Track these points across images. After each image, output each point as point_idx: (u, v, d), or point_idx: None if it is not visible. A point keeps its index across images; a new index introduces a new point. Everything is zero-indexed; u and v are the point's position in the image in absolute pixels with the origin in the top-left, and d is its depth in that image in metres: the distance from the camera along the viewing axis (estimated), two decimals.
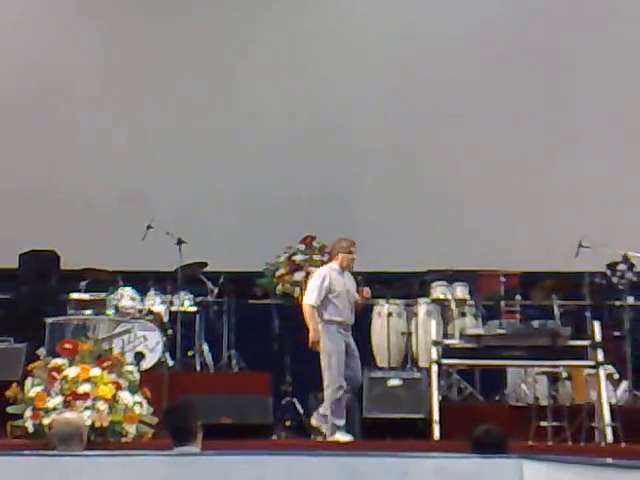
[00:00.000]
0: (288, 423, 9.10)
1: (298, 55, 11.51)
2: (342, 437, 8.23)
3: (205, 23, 11.57)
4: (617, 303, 9.60)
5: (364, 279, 10.54)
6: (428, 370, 8.78)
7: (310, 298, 8.38)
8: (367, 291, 8.57)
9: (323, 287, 8.35)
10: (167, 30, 11.54)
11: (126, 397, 7.60)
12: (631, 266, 9.47)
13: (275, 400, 9.12)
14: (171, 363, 9.57)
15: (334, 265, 8.49)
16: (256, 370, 9.71)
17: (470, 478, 4.08)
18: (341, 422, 8.28)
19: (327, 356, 8.32)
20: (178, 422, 5.10)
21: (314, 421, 8.35)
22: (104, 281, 10.03)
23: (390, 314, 9.76)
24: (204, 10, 11.60)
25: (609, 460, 5.36)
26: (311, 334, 8.31)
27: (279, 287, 10.71)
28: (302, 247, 10.93)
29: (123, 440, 7.47)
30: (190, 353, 9.87)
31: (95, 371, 7.62)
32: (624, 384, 9.33)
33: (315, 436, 8.34)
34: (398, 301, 9.87)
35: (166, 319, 9.77)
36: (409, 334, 9.70)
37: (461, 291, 9.78)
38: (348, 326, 8.45)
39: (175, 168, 11.34)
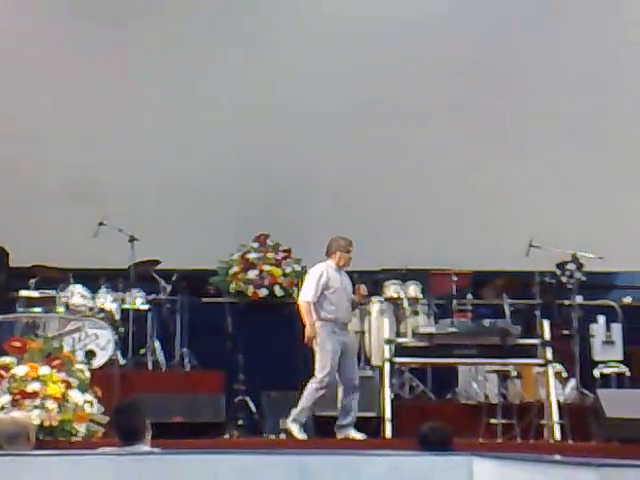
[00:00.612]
0: (241, 422, 9.08)
1: (252, 53, 11.48)
2: (298, 434, 8.21)
3: (159, 23, 11.49)
4: (566, 302, 9.72)
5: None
6: (380, 368, 8.82)
7: (307, 294, 8.34)
8: (364, 289, 8.54)
9: (320, 283, 8.31)
10: (119, 30, 11.44)
11: (76, 396, 7.54)
12: (580, 266, 9.59)
13: (228, 399, 9.11)
14: (122, 361, 9.51)
15: (330, 263, 8.46)
16: (209, 368, 9.69)
17: (421, 476, 4.11)
18: (303, 419, 8.27)
19: (322, 355, 8.28)
20: (126, 421, 5.09)
21: (339, 435, 8.27)
22: (54, 278, 9.94)
23: None
24: (158, 10, 11.53)
25: (557, 457, 5.42)
26: (307, 331, 8.26)
27: (232, 285, 10.70)
28: (256, 245, 10.93)
29: (73, 439, 7.41)
30: (142, 351, 9.81)
31: (44, 370, 7.55)
32: (572, 382, 9.45)
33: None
34: None
35: (118, 317, 9.71)
36: (362, 333, 9.72)
37: (414, 290, 9.84)
38: (345, 325, 8.42)
39: (128, 165, 11.25)
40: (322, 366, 8.25)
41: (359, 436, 8.19)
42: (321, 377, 8.22)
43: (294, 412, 8.24)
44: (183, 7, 11.59)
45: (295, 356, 9.17)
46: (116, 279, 9.91)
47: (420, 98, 11.29)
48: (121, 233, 9.80)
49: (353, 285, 8.61)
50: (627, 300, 10.87)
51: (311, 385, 8.26)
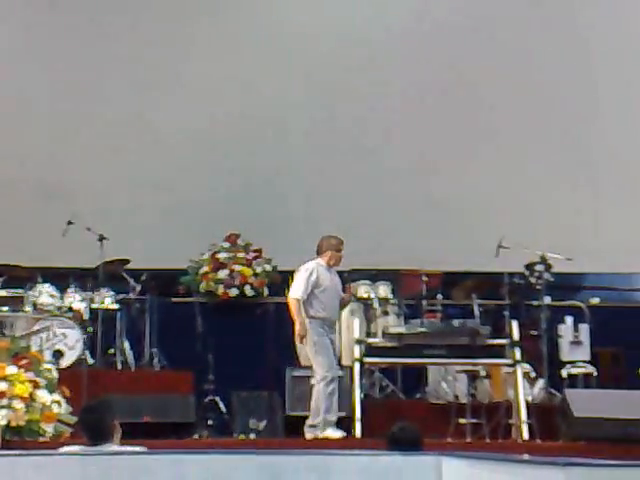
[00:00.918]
0: (210, 422, 9.06)
1: (220, 51, 11.45)
2: (333, 433, 8.20)
3: (127, 20, 11.45)
4: (534, 303, 9.78)
5: (282, 277, 10.62)
6: (351, 368, 8.83)
7: (296, 292, 8.34)
8: (353, 288, 8.53)
9: (310, 281, 8.33)
10: (89, 25, 11.39)
11: (44, 396, 7.49)
12: (548, 267, 9.65)
13: (197, 399, 9.09)
14: (91, 361, 9.46)
15: (321, 261, 8.48)
16: (178, 368, 9.65)
17: (390, 475, 4.13)
18: (333, 418, 8.26)
19: (314, 352, 8.32)
20: (95, 421, 5.06)
21: (308, 435, 8.26)
22: (22, 277, 9.86)
23: None
24: (127, 7, 11.48)
25: (525, 456, 5.46)
26: (297, 328, 8.26)
27: (202, 285, 10.67)
28: (226, 245, 10.90)
29: (40, 440, 7.36)
30: (111, 351, 9.77)
31: (12, 369, 7.48)
32: (540, 382, 9.51)
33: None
34: None
35: (86, 316, 9.65)
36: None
37: (384, 290, 9.85)
38: (332, 322, 8.45)
39: (97, 164, 11.20)
40: (320, 363, 8.29)
41: (336, 434, 8.20)
42: (323, 374, 8.26)
43: (318, 420, 8.22)
44: (151, 4, 11.55)
45: (265, 356, 9.17)
46: (85, 278, 9.86)
47: (389, 99, 11.33)
48: (90, 232, 9.74)
49: (343, 284, 8.61)
50: (594, 301, 10.95)
51: (318, 385, 8.28)
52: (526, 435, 8.48)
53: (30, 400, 7.40)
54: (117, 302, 9.89)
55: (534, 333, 9.51)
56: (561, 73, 11.46)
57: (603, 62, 11.49)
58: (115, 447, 4.96)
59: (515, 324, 9.03)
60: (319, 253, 8.52)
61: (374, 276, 9.88)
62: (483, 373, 9.14)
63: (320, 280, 8.37)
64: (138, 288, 10.02)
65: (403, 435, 5.25)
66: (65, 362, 8.86)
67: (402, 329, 8.88)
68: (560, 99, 11.42)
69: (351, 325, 9.28)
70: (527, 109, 11.36)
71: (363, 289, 9.86)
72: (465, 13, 11.49)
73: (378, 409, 8.63)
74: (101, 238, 9.75)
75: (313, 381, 8.40)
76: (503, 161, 11.32)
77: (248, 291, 10.64)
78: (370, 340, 8.88)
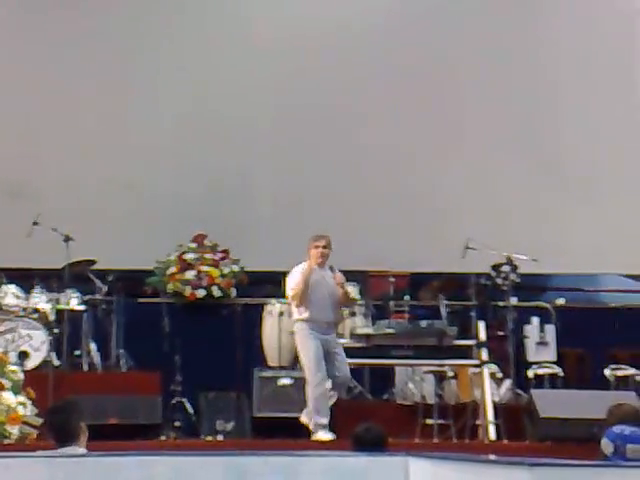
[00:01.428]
0: (177, 423, 9.03)
1: (189, 53, 11.42)
2: (324, 436, 8.19)
3: (97, 19, 11.38)
4: (501, 304, 9.84)
5: (250, 278, 10.61)
6: None
7: (289, 291, 8.37)
8: (339, 276, 8.41)
9: (299, 279, 8.32)
10: (57, 24, 11.31)
11: (9, 397, 7.43)
12: (514, 268, 9.72)
13: (164, 400, 9.05)
14: (57, 363, 9.39)
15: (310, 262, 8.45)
16: (145, 370, 9.61)
17: (357, 476, 4.13)
18: (324, 420, 8.22)
19: (302, 356, 8.33)
20: (61, 422, 5.02)
21: (303, 417, 8.28)
22: None
23: (281, 313, 9.78)
24: (96, 6, 11.42)
25: (492, 457, 5.49)
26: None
27: (170, 286, 10.63)
28: (194, 246, 10.86)
29: (6, 442, 7.31)
30: (77, 353, 9.70)
31: None
32: (507, 383, 9.56)
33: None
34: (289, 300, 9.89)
35: (52, 318, 9.58)
36: None
37: (351, 291, 9.87)
38: (325, 324, 8.32)
39: (63, 164, 11.12)
40: (307, 367, 8.27)
41: (326, 437, 8.21)
42: (310, 378, 8.24)
43: (312, 423, 8.21)
44: (120, 4, 11.49)
45: (233, 357, 9.15)
46: (51, 279, 9.79)
47: (356, 100, 11.35)
48: (56, 233, 9.67)
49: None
50: (560, 302, 11.04)
51: (308, 388, 8.26)
52: (493, 435, 8.54)
53: None
54: (83, 303, 9.83)
55: (501, 334, 9.56)
56: (528, 75, 11.53)
57: (569, 64, 11.57)
58: (81, 449, 4.94)
59: (482, 325, 9.10)
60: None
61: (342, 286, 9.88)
62: (450, 374, 9.19)
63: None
64: (105, 289, 9.96)
65: (368, 435, 5.26)
66: (31, 364, 8.80)
67: (369, 330, 8.91)
68: (527, 101, 11.49)
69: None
70: (494, 111, 11.42)
71: None
72: (434, 14, 11.52)
73: (345, 410, 8.63)
74: (67, 239, 9.67)
75: None
76: (470, 162, 11.36)
77: (215, 292, 10.60)
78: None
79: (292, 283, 8.36)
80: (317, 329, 8.29)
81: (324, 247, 8.38)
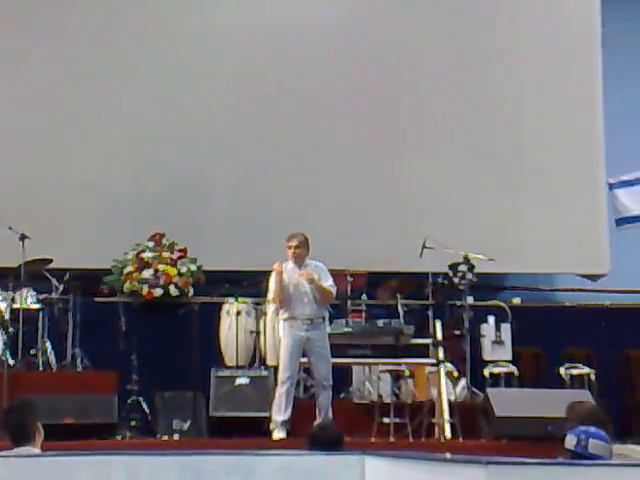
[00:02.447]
0: (134, 422, 8.99)
1: (145, 43, 11.35)
2: (275, 434, 8.24)
3: (55, 16, 11.28)
4: (458, 303, 9.90)
5: (207, 277, 10.58)
6: (275, 368, 8.84)
7: (270, 295, 8.53)
8: (304, 273, 8.38)
9: (275, 281, 8.41)
10: (11, 23, 11.20)
11: None
12: (471, 267, 9.78)
13: (121, 399, 9.00)
14: (12, 362, 9.31)
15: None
16: (101, 369, 9.56)
17: (314, 475, 4.15)
18: (279, 417, 8.28)
19: (281, 353, 8.43)
20: (16, 422, 4.99)
21: None
22: None
23: (239, 313, 9.78)
24: (54, 4, 11.33)
25: (448, 455, 5.53)
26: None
27: (127, 285, 10.56)
28: (151, 244, 10.81)
29: None
30: (32, 352, 9.61)
31: None
32: (463, 381, 9.63)
33: None
34: (247, 299, 9.89)
35: (7, 317, 9.48)
36: (258, 333, 9.73)
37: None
38: (306, 321, 8.35)
39: (19, 162, 11.02)
40: (280, 363, 8.36)
41: (276, 435, 8.23)
42: (280, 375, 8.34)
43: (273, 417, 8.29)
44: (78, 5, 11.41)
45: (190, 356, 9.12)
46: (6, 278, 9.69)
47: (317, 97, 11.35)
48: (11, 231, 9.58)
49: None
50: (516, 301, 11.13)
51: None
52: (449, 434, 8.60)
53: None
54: (39, 302, 9.74)
55: (457, 333, 9.62)
56: (487, 77, 11.61)
57: (527, 64, 11.66)
58: (36, 449, 4.90)
59: (438, 324, 9.16)
60: None
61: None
62: (407, 373, 9.23)
63: (283, 279, 8.41)
64: (61, 288, 9.89)
65: (323, 434, 5.26)
66: None
67: (327, 329, 8.91)
68: (485, 102, 11.56)
69: (276, 325, 9.29)
70: (451, 111, 11.48)
71: None
72: (391, 17, 11.55)
73: (302, 409, 8.64)
74: (23, 237, 9.58)
75: None
76: (427, 162, 11.42)
77: (172, 291, 10.56)
78: None
79: (270, 287, 8.46)
80: (297, 327, 8.36)
81: (296, 247, 8.43)
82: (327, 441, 5.12)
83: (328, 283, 8.45)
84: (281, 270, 8.38)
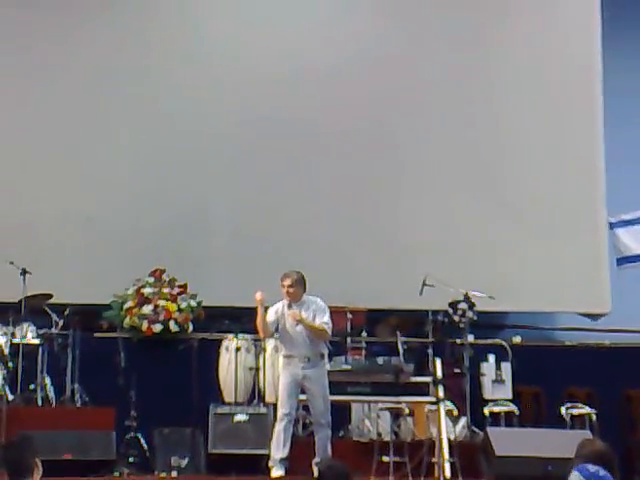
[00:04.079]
0: (132, 459, 8.95)
1: (148, 84, 11.41)
2: (273, 472, 8.21)
3: (51, 43, 11.33)
4: (458, 341, 9.88)
5: (207, 313, 10.56)
6: (274, 405, 8.82)
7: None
8: (292, 313, 8.38)
9: (270, 316, 8.43)
10: (15, 55, 11.28)
11: None
12: (471, 305, 9.78)
13: (119, 435, 8.97)
14: (11, 397, 9.28)
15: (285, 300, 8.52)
16: (100, 405, 9.53)
17: None
18: (278, 455, 8.25)
19: (279, 388, 8.46)
20: (15, 457, 4.97)
21: None
22: None
23: (238, 349, 9.77)
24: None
25: None
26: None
27: (127, 320, 10.56)
28: (151, 280, 10.82)
29: None
30: (31, 387, 9.59)
31: None
32: (463, 420, 9.59)
33: None
34: (247, 336, 9.88)
35: (7, 351, 9.47)
36: (257, 369, 9.72)
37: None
38: (303, 359, 8.33)
39: (20, 196, 11.05)
40: (279, 399, 8.38)
41: (274, 474, 8.19)
42: (278, 412, 8.36)
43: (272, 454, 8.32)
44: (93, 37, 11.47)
45: (188, 392, 9.09)
46: (6, 312, 9.69)
47: (317, 134, 11.38)
48: (12, 266, 9.60)
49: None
50: (516, 339, 11.12)
51: None
52: (448, 473, 8.55)
53: None
54: (39, 337, 9.74)
55: (457, 371, 9.60)
56: (485, 114, 11.66)
57: (525, 102, 11.70)
58: None
59: (438, 362, 9.13)
60: None
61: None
62: (406, 411, 9.20)
63: (280, 318, 8.44)
64: (61, 323, 9.89)
65: (330, 473, 5.21)
66: None
67: (326, 366, 8.88)
68: (485, 140, 11.60)
69: (276, 362, 9.28)
70: (449, 147, 11.52)
71: None
72: (390, 52, 11.62)
73: (302, 446, 8.60)
74: (23, 272, 9.61)
75: None
76: (427, 199, 11.44)
77: (172, 326, 10.55)
78: None
79: (259, 326, 8.50)
80: (294, 365, 8.36)
81: (289, 286, 8.43)
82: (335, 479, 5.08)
83: (323, 320, 8.39)
84: (261, 299, 8.36)
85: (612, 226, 11.37)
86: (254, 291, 8.73)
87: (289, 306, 8.46)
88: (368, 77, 11.49)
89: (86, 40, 11.41)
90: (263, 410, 9.29)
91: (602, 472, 4.54)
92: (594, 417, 9.51)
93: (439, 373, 9.08)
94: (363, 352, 9.69)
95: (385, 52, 11.60)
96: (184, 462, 8.83)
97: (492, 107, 11.68)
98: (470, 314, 9.72)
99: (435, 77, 11.61)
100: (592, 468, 4.56)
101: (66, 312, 9.90)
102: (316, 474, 5.30)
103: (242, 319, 10.06)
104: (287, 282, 8.44)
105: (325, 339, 8.51)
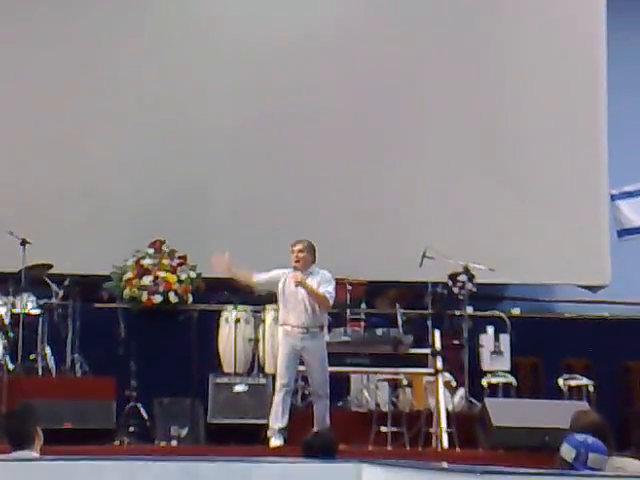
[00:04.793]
0: (132, 428, 9.00)
1: (154, 63, 11.38)
2: (272, 442, 8.25)
3: (58, 20, 11.31)
4: (457, 313, 9.91)
5: (207, 285, 10.57)
6: (273, 376, 8.86)
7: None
8: (294, 275, 8.31)
9: (271, 272, 8.43)
10: (16, 24, 11.24)
11: None
12: (471, 277, 9.78)
13: (119, 405, 9.02)
14: (11, 367, 9.33)
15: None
16: (100, 375, 9.57)
17: None
18: (276, 425, 8.28)
19: (278, 359, 8.45)
20: (16, 426, 5.01)
21: None
22: None
23: (238, 320, 9.80)
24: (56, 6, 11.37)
25: (444, 464, 5.54)
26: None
27: (126, 291, 10.58)
28: (151, 251, 10.82)
29: None
30: (32, 357, 9.63)
31: None
32: (461, 391, 9.63)
33: None
34: (246, 307, 9.91)
35: (7, 321, 9.51)
36: (256, 340, 9.75)
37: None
38: (301, 329, 8.31)
39: (21, 168, 11.04)
40: (277, 370, 8.39)
41: (273, 443, 8.24)
42: (276, 382, 8.37)
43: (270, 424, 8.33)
44: (84, 8, 11.42)
45: (188, 362, 9.13)
46: (6, 283, 9.71)
47: (317, 111, 11.37)
48: (12, 236, 9.61)
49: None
50: (515, 311, 11.15)
51: None
52: (446, 443, 8.61)
53: None
54: (39, 307, 9.77)
55: (456, 343, 9.63)
56: (488, 87, 11.63)
57: (530, 75, 11.66)
58: (35, 454, 4.92)
59: (437, 333, 9.16)
60: None
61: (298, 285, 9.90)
62: (405, 382, 9.24)
63: (283, 284, 8.39)
64: (61, 293, 9.91)
65: (317, 442, 5.24)
66: None
67: (326, 337, 8.92)
68: (486, 112, 11.58)
69: (275, 333, 9.31)
70: (452, 122, 11.49)
71: None
72: (390, 31, 11.57)
73: (300, 417, 8.65)
74: (23, 242, 9.62)
75: None
76: (428, 171, 11.43)
77: (172, 298, 10.57)
78: None
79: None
80: (293, 336, 8.35)
81: (299, 251, 8.40)
82: (321, 449, 5.11)
83: (326, 289, 8.36)
84: (227, 266, 8.31)
85: (613, 198, 11.35)
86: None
87: (295, 268, 8.38)
88: (368, 51, 11.45)
89: (89, 11, 11.36)
90: (262, 381, 9.33)
91: (591, 439, 4.58)
92: (591, 388, 9.54)
93: (438, 345, 9.12)
94: (362, 323, 9.71)
95: (386, 25, 11.55)
96: (184, 432, 8.88)
97: (492, 78, 11.64)
98: (469, 286, 9.73)
99: (437, 49, 11.57)
100: (580, 437, 4.60)
101: (66, 282, 9.92)
102: (303, 443, 5.33)
103: (241, 290, 10.08)
104: (298, 247, 8.41)
105: (326, 307, 8.46)
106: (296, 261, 8.39)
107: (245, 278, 8.52)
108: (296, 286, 8.33)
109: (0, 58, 11.18)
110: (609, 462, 4.72)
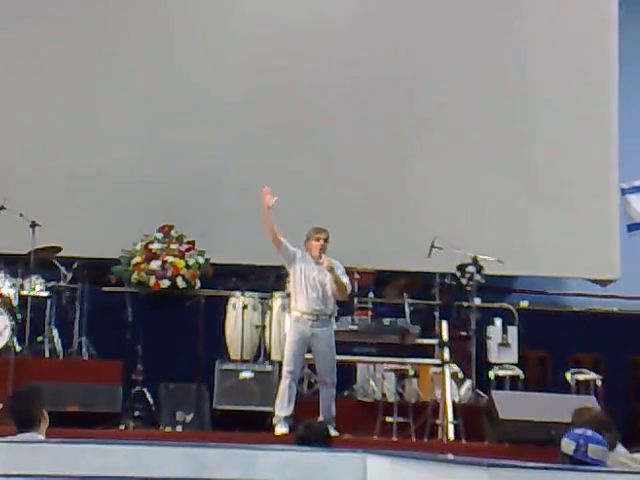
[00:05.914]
0: (137, 413, 9.00)
1: (161, 43, 11.35)
2: (277, 429, 8.24)
3: (66, 8, 11.28)
4: (465, 304, 9.88)
5: (215, 270, 10.56)
6: (280, 363, 8.85)
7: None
8: (326, 260, 8.29)
9: (291, 248, 8.41)
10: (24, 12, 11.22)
11: None
12: (479, 268, 9.76)
13: (125, 389, 9.03)
14: (19, 348, 9.34)
15: (307, 253, 8.46)
16: (107, 358, 9.58)
17: (315, 471, 4.14)
18: (282, 413, 8.27)
19: (285, 345, 8.45)
20: (22, 408, 5.02)
21: None
22: None
23: (245, 307, 9.78)
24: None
25: (450, 456, 5.52)
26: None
27: (134, 275, 10.58)
28: (160, 236, 10.81)
29: None
30: (39, 339, 9.64)
31: None
32: (467, 383, 9.61)
33: None
34: (254, 294, 9.90)
35: (16, 303, 9.52)
36: (263, 327, 9.74)
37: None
38: (313, 316, 8.31)
39: (32, 150, 11.04)
40: (285, 357, 8.36)
41: (278, 430, 8.22)
42: (283, 369, 8.34)
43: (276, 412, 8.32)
44: None
45: (195, 348, 9.13)
46: (15, 264, 9.72)
47: (327, 96, 11.33)
48: (22, 218, 9.61)
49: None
50: (524, 304, 11.12)
51: None
52: (452, 435, 8.59)
53: None
54: (47, 289, 9.78)
55: (463, 334, 9.61)
56: (501, 76, 11.58)
57: (542, 64, 11.62)
58: (40, 436, 4.92)
59: (445, 324, 9.14)
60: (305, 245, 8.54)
61: (330, 270, 9.88)
62: (411, 372, 9.22)
63: (298, 268, 8.37)
64: (69, 276, 9.92)
65: (309, 433, 5.21)
66: None
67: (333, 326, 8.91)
68: (498, 103, 11.54)
69: (282, 320, 9.31)
70: (464, 112, 11.45)
71: None
72: (407, 16, 11.53)
73: (306, 405, 8.64)
74: (33, 224, 9.62)
75: None
76: (437, 162, 11.40)
77: (180, 282, 10.56)
78: None
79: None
80: (302, 322, 8.34)
81: (325, 240, 8.43)
82: (314, 439, 5.07)
83: (347, 280, 8.46)
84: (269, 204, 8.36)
85: (624, 192, 11.30)
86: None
87: (319, 256, 8.37)
88: (385, 33, 11.41)
89: None
90: (268, 368, 9.32)
91: (590, 432, 4.57)
92: (599, 383, 9.51)
93: (445, 335, 9.10)
94: (370, 313, 9.70)
95: (403, 11, 11.50)
96: (189, 417, 8.89)
97: (505, 72, 11.60)
98: (478, 277, 9.70)
99: (452, 42, 11.52)
100: (579, 430, 4.59)
101: (74, 265, 9.93)
102: (297, 434, 5.30)
103: (250, 277, 10.08)
104: (324, 235, 8.44)
105: (343, 297, 8.51)
106: (321, 249, 8.37)
107: (274, 229, 8.45)
108: (329, 271, 8.29)
109: (19, 37, 11.15)
110: (613, 457, 4.71)
